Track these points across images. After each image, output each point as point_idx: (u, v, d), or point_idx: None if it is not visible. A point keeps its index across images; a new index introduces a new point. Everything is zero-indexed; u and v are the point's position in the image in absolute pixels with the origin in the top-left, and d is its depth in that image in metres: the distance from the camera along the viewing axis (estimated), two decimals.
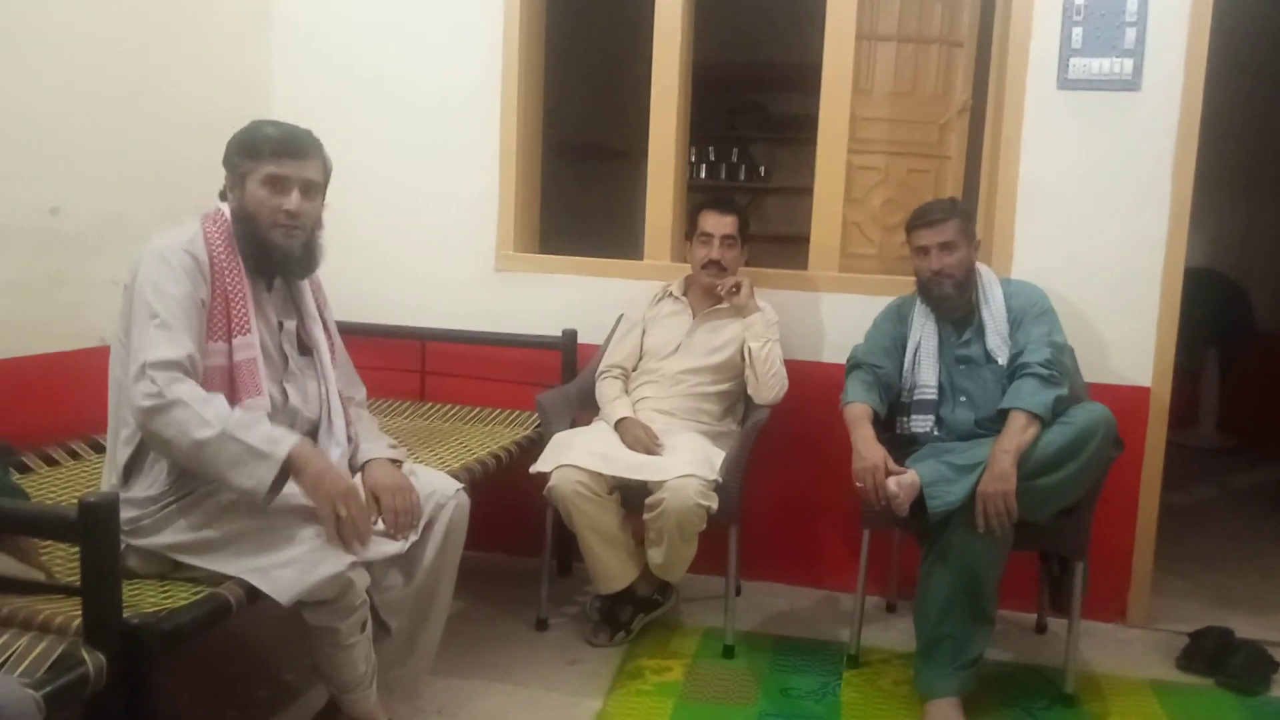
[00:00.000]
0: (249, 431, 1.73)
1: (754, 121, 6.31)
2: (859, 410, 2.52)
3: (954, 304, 2.56)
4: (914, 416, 2.57)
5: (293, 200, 1.90)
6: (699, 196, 3.34)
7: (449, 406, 3.25)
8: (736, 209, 2.93)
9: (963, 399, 2.54)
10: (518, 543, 3.21)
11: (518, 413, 3.19)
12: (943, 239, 2.52)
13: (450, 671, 2.42)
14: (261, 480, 1.72)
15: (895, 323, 2.68)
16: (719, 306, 2.90)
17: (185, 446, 1.71)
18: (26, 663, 1.40)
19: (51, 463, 2.41)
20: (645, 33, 3.21)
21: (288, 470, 1.75)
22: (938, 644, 2.35)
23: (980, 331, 2.56)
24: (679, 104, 3.22)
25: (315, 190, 1.96)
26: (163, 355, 1.72)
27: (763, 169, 6.33)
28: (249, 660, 2.52)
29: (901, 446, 2.51)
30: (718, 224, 2.86)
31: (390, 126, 3.33)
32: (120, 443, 1.84)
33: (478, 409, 3.23)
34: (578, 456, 2.58)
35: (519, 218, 3.33)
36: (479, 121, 3.28)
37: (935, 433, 2.53)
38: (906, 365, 2.59)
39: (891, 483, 2.31)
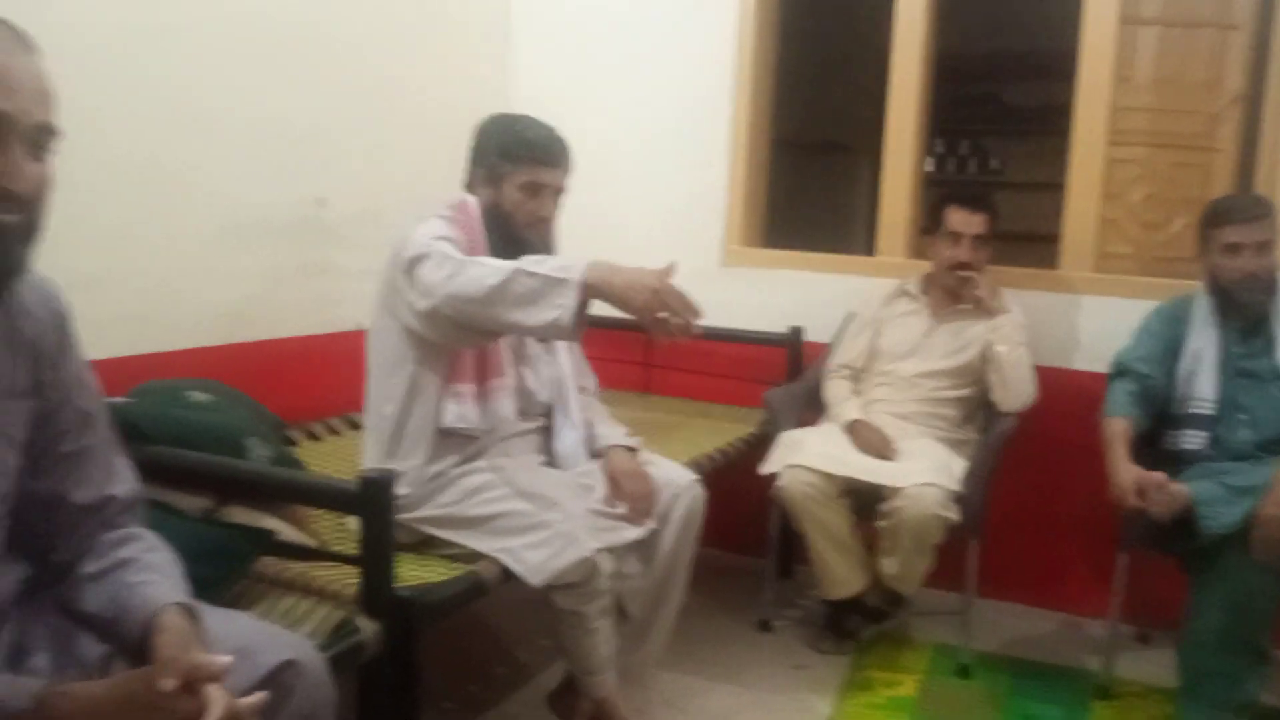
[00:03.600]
0: (540, 265, 1.66)
1: (987, 113, 6.00)
2: (1118, 427, 2.32)
3: (1255, 311, 2.31)
4: (1185, 432, 2.34)
5: (548, 207, 1.95)
6: (929, 192, 3.19)
7: (672, 400, 3.25)
8: (987, 206, 2.76)
9: (1243, 416, 2.30)
10: (738, 540, 3.17)
11: (741, 409, 3.15)
12: (1260, 238, 2.27)
13: (675, 666, 2.41)
14: (565, 307, 1.62)
15: (1170, 326, 2.44)
16: (961, 307, 2.76)
17: (481, 297, 1.66)
18: (308, 627, 1.48)
19: (312, 437, 2.57)
20: (877, 24, 3.10)
21: (588, 294, 1.66)
22: (1205, 681, 2.14)
23: (1270, 343, 2.30)
24: (919, 95, 3.09)
25: (563, 194, 2.00)
26: (442, 233, 1.79)
27: (996, 163, 6.02)
28: (486, 637, 2.61)
29: (1167, 464, 2.30)
30: (967, 222, 2.71)
31: (622, 121, 3.36)
32: (381, 421, 1.93)
33: (701, 403, 3.22)
34: (809, 457, 2.51)
35: (747, 212, 3.29)
36: (711, 115, 3.26)
37: (1208, 452, 2.31)
38: (1181, 375, 2.37)
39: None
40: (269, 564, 1.67)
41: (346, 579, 1.62)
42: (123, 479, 1.27)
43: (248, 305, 2.52)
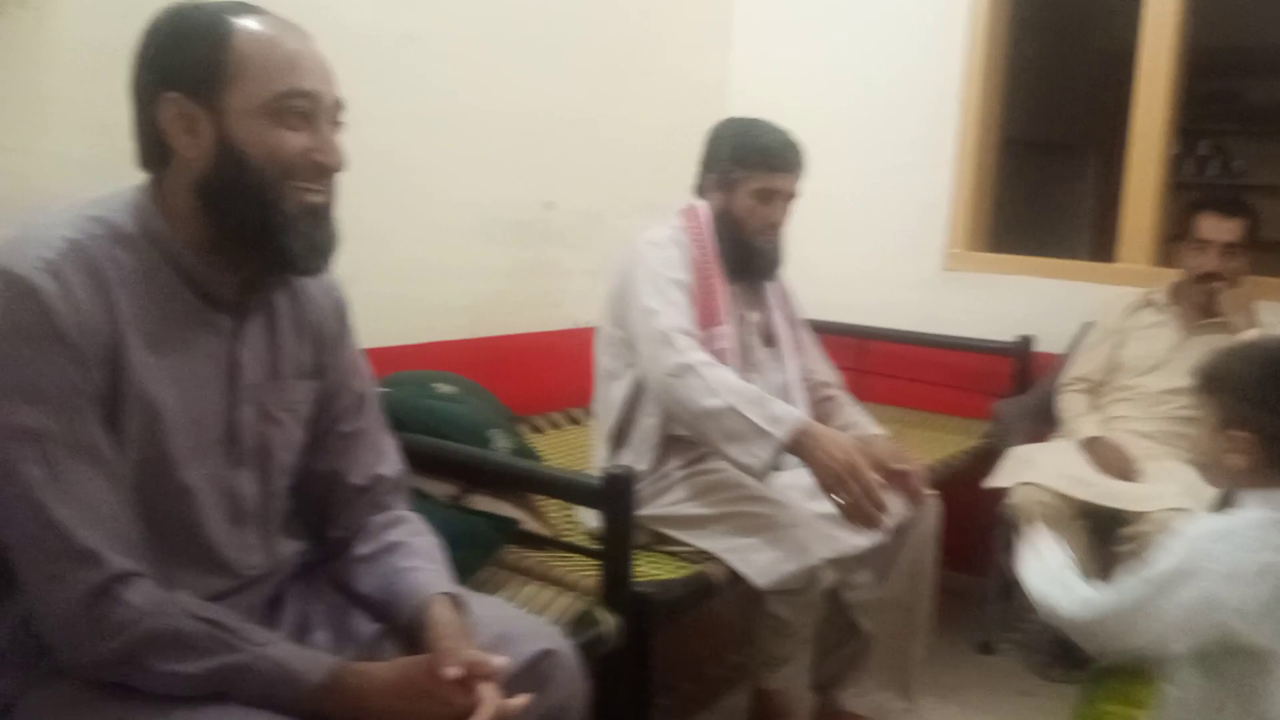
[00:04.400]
0: (754, 408, 1.71)
1: (1229, 111, 5.54)
2: None
3: None
4: None
5: (779, 213, 1.95)
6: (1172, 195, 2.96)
7: (890, 408, 3.16)
8: (1244, 211, 2.53)
9: None
10: (958, 556, 3.04)
11: (963, 420, 3.02)
12: None
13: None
14: (760, 459, 1.70)
15: None
16: (1213, 320, 2.54)
17: (692, 412, 1.74)
18: (550, 616, 1.52)
19: (535, 430, 2.66)
20: (1114, 19, 2.90)
21: (788, 451, 1.71)
22: None
23: None
24: (1168, 92, 2.87)
25: (795, 199, 1.99)
26: (680, 323, 1.80)
27: (1240, 164, 5.55)
28: (699, 634, 2.62)
29: None
30: (1217, 229, 2.49)
31: (843, 124, 3.30)
32: (608, 421, 1.97)
33: (920, 413, 3.12)
34: (1044, 475, 2.38)
35: (973, 215, 3.16)
36: (936, 117, 3.15)
37: None
38: None
39: None
40: (509, 551, 1.74)
41: (584, 571, 1.66)
42: (390, 460, 1.34)
43: (483, 302, 2.64)
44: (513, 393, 2.66)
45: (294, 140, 1.07)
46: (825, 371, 2.21)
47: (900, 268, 3.23)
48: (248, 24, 1.05)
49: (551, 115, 2.78)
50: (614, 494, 1.51)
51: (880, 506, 1.69)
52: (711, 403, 1.72)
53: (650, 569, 1.77)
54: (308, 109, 1.08)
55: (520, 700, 1.09)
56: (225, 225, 1.09)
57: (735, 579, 1.77)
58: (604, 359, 2.00)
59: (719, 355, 1.90)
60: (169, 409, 1.07)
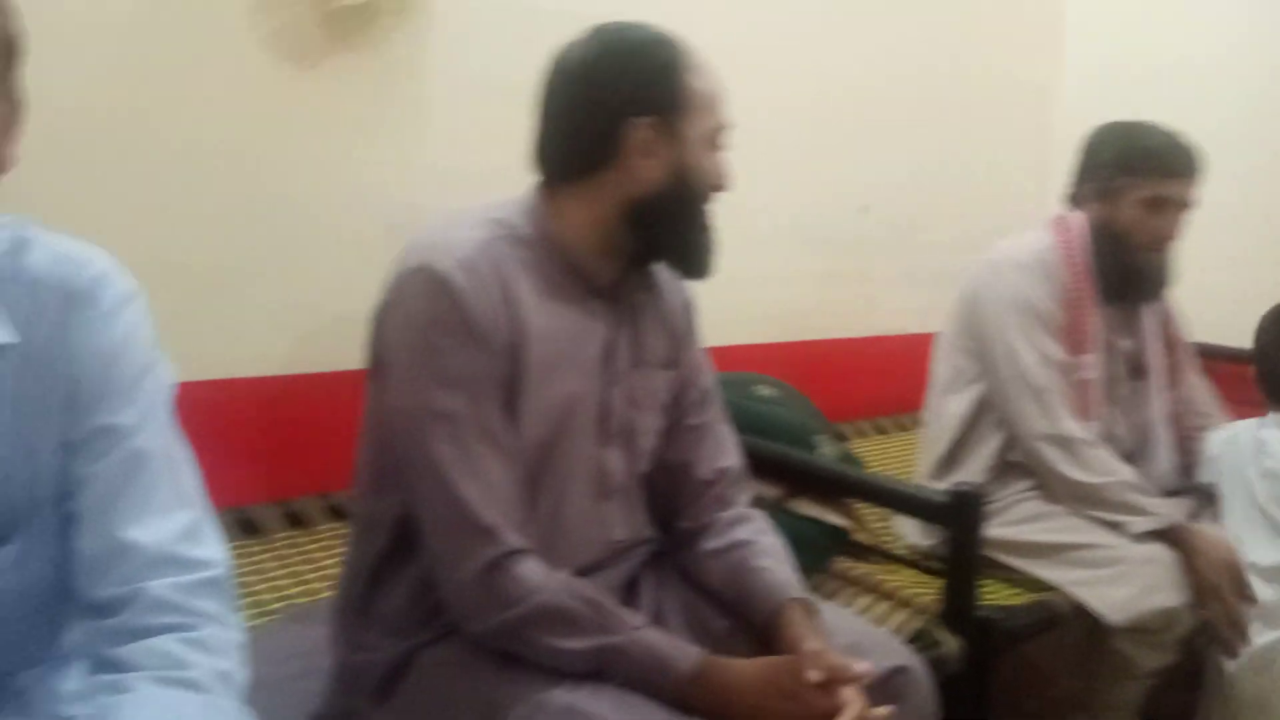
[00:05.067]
0: (1134, 493, 1.71)
1: None
2: None
3: None
4: None
5: (1172, 225, 1.77)
6: None
7: None
8: None
9: None
10: None
11: None
12: None
13: None
14: (1132, 528, 1.69)
15: None
16: None
17: (1061, 479, 1.74)
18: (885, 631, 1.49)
19: (840, 438, 2.62)
20: None
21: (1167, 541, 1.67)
22: None
23: None
24: None
25: (1191, 206, 1.80)
26: (1052, 380, 1.75)
27: None
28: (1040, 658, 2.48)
29: None
30: None
31: (1199, 129, 2.99)
32: (940, 435, 1.89)
33: None
34: None
35: None
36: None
37: None
38: None
39: None
40: (835, 560, 1.73)
41: (916, 587, 1.62)
42: (733, 454, 1.36)
43: (800, 306, 2.64)
44: (821, 399, 2.66)
45: (721, 166, 1.19)
46: (1205, 402, 2.01)
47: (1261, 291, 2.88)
48: (696, 59, 1.17)
49: (868, 121, 2.73)
50: (961, 512, 1.46)
51: (1243, 635, 1.62)
52: (1085, 477, 1.71)
53: (985, 592, 1.69)
54: (726, 138, 1.20)
55: (884, 711, 1.07)
56: (650, 236, 1.18)
57: (1081, 610, 1.65)
58: (943, 369, 1.93)
59: (1081, 387, 1.77)
60: (556, 391, 1.15)
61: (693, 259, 1.21)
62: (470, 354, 1.08)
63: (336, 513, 1.83)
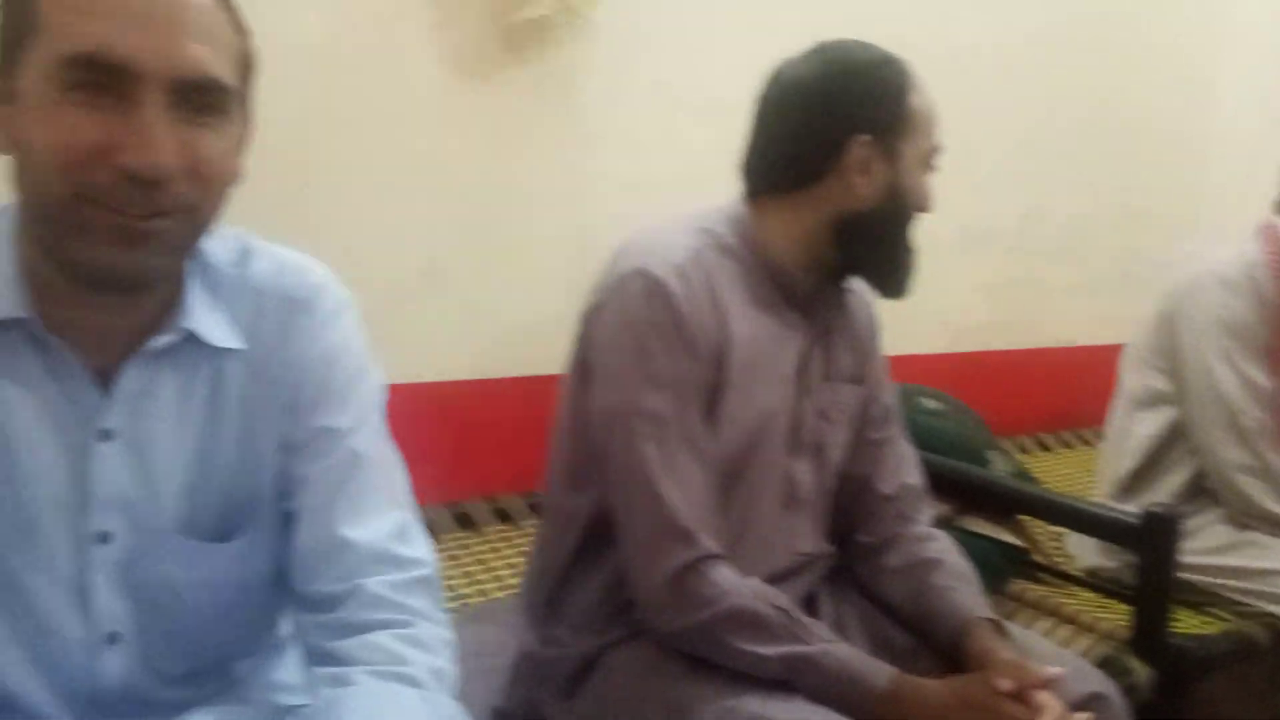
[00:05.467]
0: None
1: None
2: None
3: None
4: None
5: None
6: None
7: None
8: None
9: None
10: None
11: None
12: None
13: None
14: None
15: None
16: None
17: (1260, 512, 1.67)
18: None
19: (1023, 450, 2.53)
20: None
21: None
22: None
23: None
24: None
25: None
26: (1255, 414, 1.68)
27: None
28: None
29: None
30: None
31: None
32: (1132, 452, 1.81)
33: None
34: None
35: None
36: None
37: None
38: None
39: None
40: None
41: (1100, 611, 1.54)
42: (914, 470, 1.34)
43: (967, 316, 2.57)
44: (986, 413, 2.57)
45: (929, 188, 1.20)
46: None
47: None
48: (918, 80, 1.17)
49: (1034, 124, 2.63)
50: (1155, 535, 1.38)
51: None
52: None
53: (1174, 619, 1.60)
54: (938, 160, 1.20)
55: (1084, 716, 1.03)
56: (855, 252, 1.18)
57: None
58: (1133, 385, 1.83)
59: None
60: (754, 401, 1.16)
61: (894, 277, 1.21)
62: (679, 358, 1.09)
63: (503, 516, 1.87)
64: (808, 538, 1.25)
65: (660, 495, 1.07)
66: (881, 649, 1.21)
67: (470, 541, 1.79)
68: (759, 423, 1.16)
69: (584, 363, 1.16)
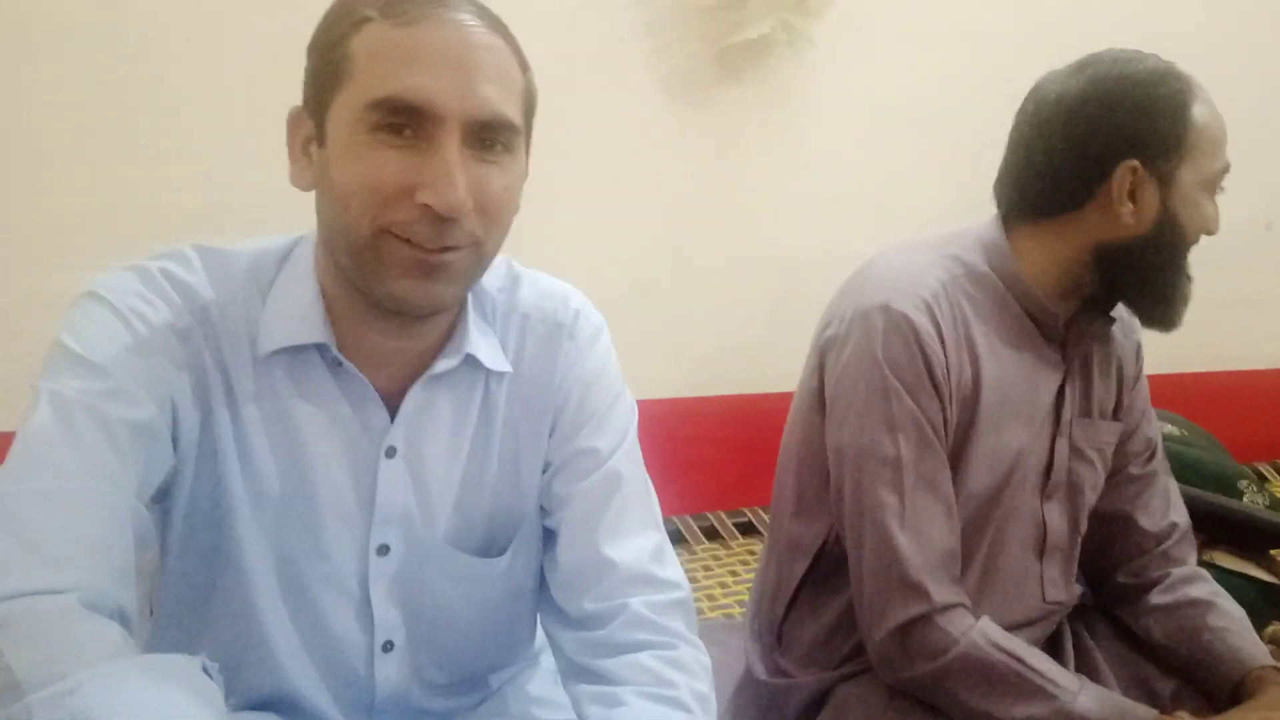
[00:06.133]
0: None
1: None
2: None
3: None
4: None
5: None
6: None
7: None
8: None
9: None
10: None
11: None
12: None
13: None
14: None
15: None
16: None
17: None
18: None
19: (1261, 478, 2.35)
20: None
21: None
22: None
23: None
24: None
25: None
26: None
27: None
28: None
29: None
30: None
31: None
32: None
33: None
34: None
35: None
36: None
37: None
38: None
39: None
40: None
41: None
42: (1181, 509, 1.25)
43: (1191, 333, 2.39)
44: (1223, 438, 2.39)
45: (1214, 210, 1.07)
46: None
47: None
48: (1204, 95, 1.06)
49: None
50: None
51: None
52: None
53: None
54: (1225, 180, 1.09)
55: None
56: (1118, 281, 1.09)
57: None
58: None
59: None
60: (1005, 442, 1.09)
61: (1162, 308, 1.09)
62: (924, 399, 1.05)
63: (711, 534, 1.87)
64: (1058, 587, 1.18)
65: (893, 545, 1.03)
66: (1138, 693, 1.15)
67: (682, 559, 1.80)
68: (1010, 464, 1.10)
69: (820, 394, 1.13)
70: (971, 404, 1.07)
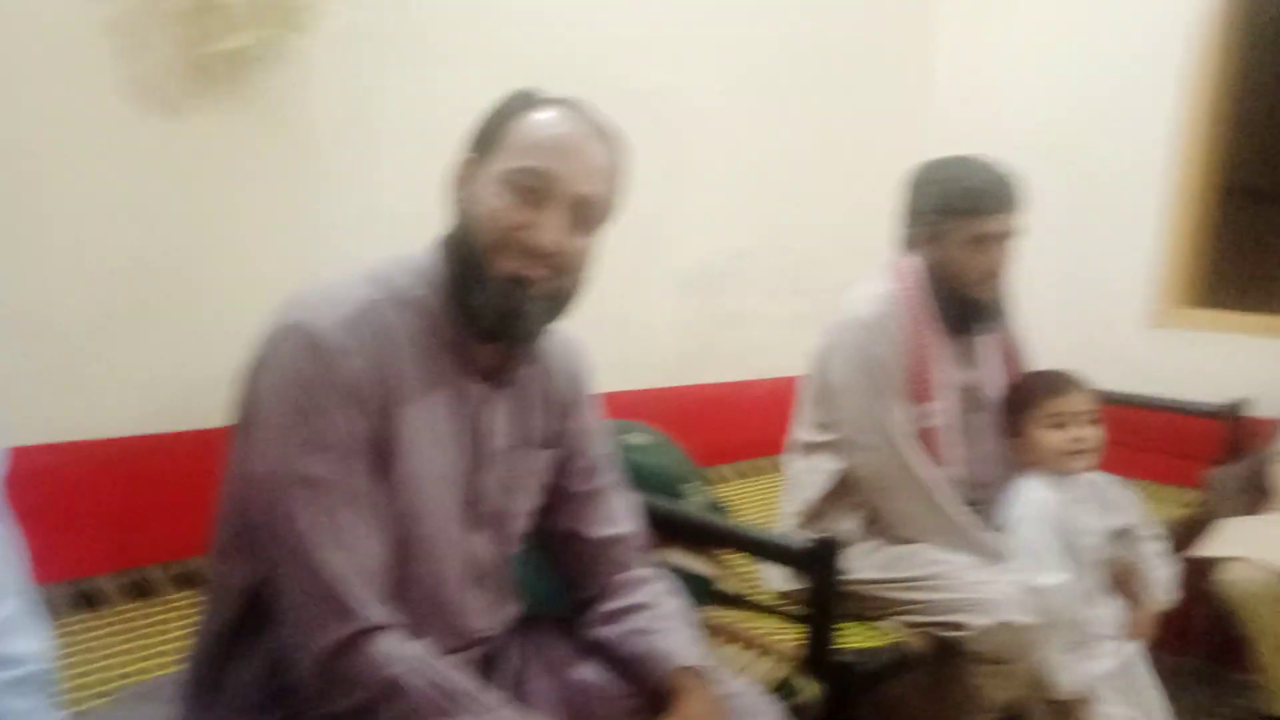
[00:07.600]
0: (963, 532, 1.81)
1: None
2: None
3: None
4: None
5: (996, 259, 1.83)
6: None
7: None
8: None
9: None
10: (1157, 633, 2.85)
11: (1166, 487, 2.83)
12: None
13: None
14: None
15: None
16: None
17: (901, 513, 1.84)
18: (750, 680, 1.51)
19: (723, 479, 2.64)
20: None
21: None
22: None
23: None
24: None
25: (1015, 236, 1.86)
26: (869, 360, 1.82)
27: None
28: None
29: None
30: None
31: (1048, 169, 3.16)
32: (810, 484, 1.93)
33: (1122, 479, 2.93)
34: (1263, 550, 2.20)
35: (1186, 268, 2.98)
36: (1146, 160, 2.99)
37: None
38: None
39: None
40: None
41: (780, 635, 1.64)
42: (625, 519, 1.34)
43: (680, 351, 2.67)
44: (703, 441, 2.67)
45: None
46: None
47: (1103, 323, 3.07)
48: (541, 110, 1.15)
49: (758, 164, 2.80)
50: (821, 559, 1.49)
51: None
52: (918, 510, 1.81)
53: (846, 635, 1.72)
54: None
55: None
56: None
57: (934, 647, 1.70)
58: (808, 421, 1.96)
59: (928, 435, 1.83)
60: (423, 466, 1.11)
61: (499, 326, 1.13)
62: (342, 418, 1.04)
63: (185, 581, 1.73)
64: (489, 614, 1.23)
65: (319, 566, 1.01)
66: (574, 693, 1.22)
67: (149, 609, 1.65)
68: (431, 490, 1.12)
69: (243, 424, 1.09)
70: (395, 426, 1.08)
